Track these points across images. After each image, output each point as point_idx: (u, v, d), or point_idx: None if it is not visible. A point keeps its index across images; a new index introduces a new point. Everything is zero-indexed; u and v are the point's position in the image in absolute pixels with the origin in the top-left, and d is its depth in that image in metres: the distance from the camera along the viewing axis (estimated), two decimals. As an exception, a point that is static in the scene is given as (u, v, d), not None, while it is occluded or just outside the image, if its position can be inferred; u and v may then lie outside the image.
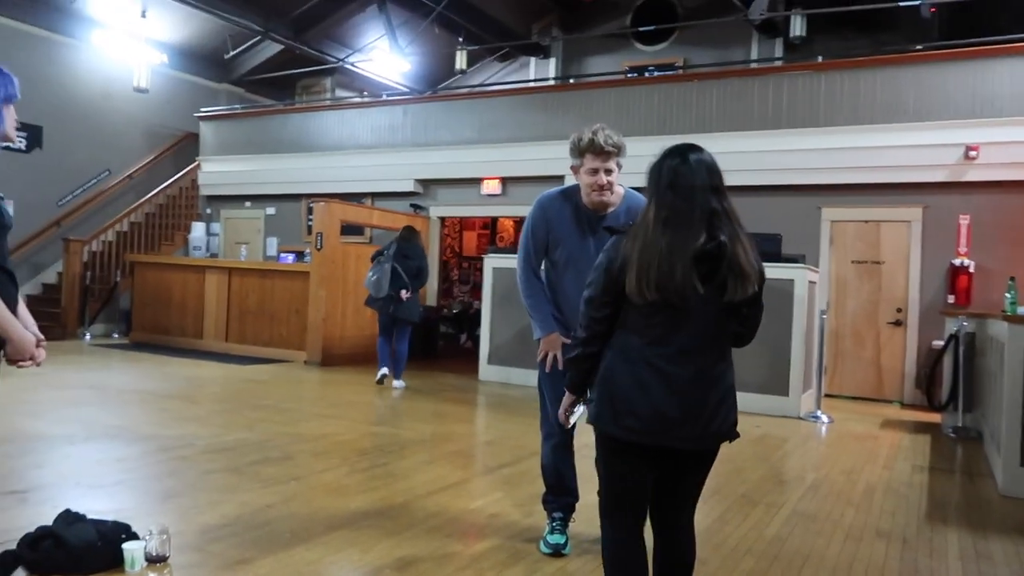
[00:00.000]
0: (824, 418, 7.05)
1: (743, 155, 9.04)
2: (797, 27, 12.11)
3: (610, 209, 3.15)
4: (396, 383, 7.93)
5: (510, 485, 4.35)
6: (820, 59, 9.45)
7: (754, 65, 11.72)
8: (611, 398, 2.09)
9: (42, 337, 2.30)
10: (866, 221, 8.73)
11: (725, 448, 5.60)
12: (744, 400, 7.13)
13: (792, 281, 7.26)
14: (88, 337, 11.26)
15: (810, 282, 7.45)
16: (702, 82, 9.59)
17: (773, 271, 7.23)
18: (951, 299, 8.21)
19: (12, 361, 2.22)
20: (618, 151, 3.07)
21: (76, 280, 11.48)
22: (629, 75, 12.66)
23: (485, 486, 4.37)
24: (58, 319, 11.28)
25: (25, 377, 7.19)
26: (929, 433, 6.67)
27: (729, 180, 8.02)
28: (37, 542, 2.87)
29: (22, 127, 11.49)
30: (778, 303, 7.27)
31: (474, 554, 3.23)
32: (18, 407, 5.92)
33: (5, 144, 2.26)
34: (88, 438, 4.98)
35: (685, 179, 2.05)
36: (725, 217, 2.04)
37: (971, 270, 8.15)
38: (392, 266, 7.73)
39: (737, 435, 2.16)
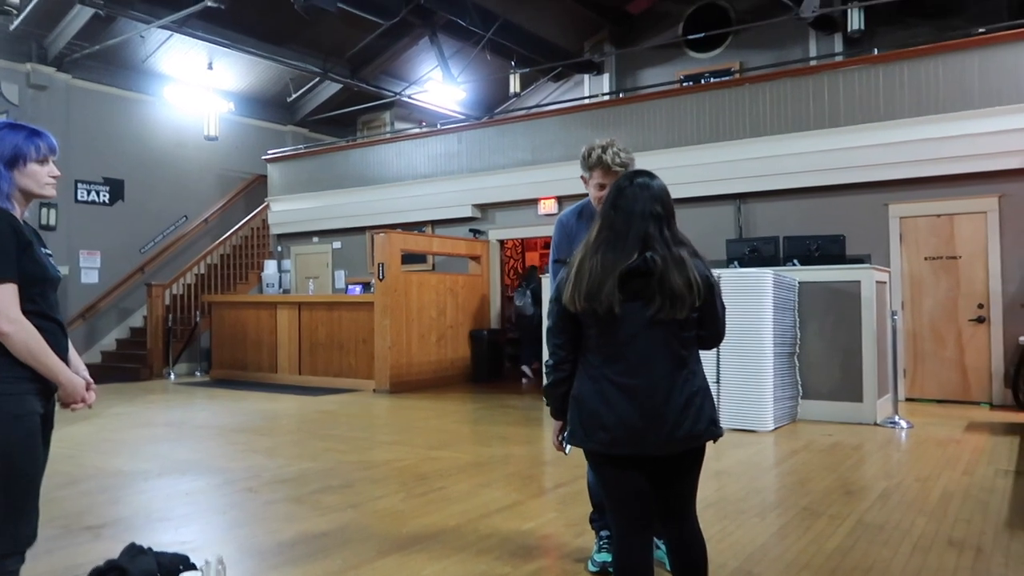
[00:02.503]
0: (903, 423, 6.74)
1: (801, 156, 8.84)
2: (855, 21, 11.75)
3: None
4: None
5: (564, 505, 4.32)
6: (876, 51, 9.12)
7: (812, 63, 11.43)
8: (580, 416, 2.23)
9: (91, 380, 2.42)
10: (938, 215, 8.35)
11: (789, 459, 5.41)
12: (815, 408, 7.02)
13: (858, 283, 7.00)
14: (172, 376, 11.79)
15: (878, 282, 7.16)
16: (754, 85, 9.40)
17: (837, 274, 7.08)
18: (1037, 291, 7.75)
19: (65, 404, 2.35)
20: (625, 168, 3.05)
21: (159, 323, 12.07)
22: (684, 84, 12.52)
23: (539, 507, 4.35)
24: (144, 361, 11.87)
25: (112, 418, 7.61)
26: (1019, 435, 6.28)
27: (786, 183, 7.93)
28: (103, 575, 3.02)
29: (105, 182, 12.27)
30: (844, 306, 7.03)
31: (522, 574, 3.22)
32: (102, 446, 6.25)
33: (42, 199, 2.41)
34: (161, 473, 5.21)
35: (625, 203, 2.21)
36: (662, 241, 2.16)
37: (1057, 259, 7.68)
38: (530, 290, 10.70)
39: (719, 433, 2.23)
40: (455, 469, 5.29)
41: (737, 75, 12.50)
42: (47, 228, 11.29)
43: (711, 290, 2.19)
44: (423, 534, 3.77)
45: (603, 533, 3.33)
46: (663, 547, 3.26)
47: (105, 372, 11.80)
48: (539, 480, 5.14)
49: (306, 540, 3.70)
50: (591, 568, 3.23)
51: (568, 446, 2.43)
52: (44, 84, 11.54)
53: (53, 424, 2.39)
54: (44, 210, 11.37)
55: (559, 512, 4.18)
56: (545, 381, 2.41)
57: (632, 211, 2.18)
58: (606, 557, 3.22)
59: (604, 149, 3.06)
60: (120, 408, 8.46)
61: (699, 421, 2.17)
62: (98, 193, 12.38)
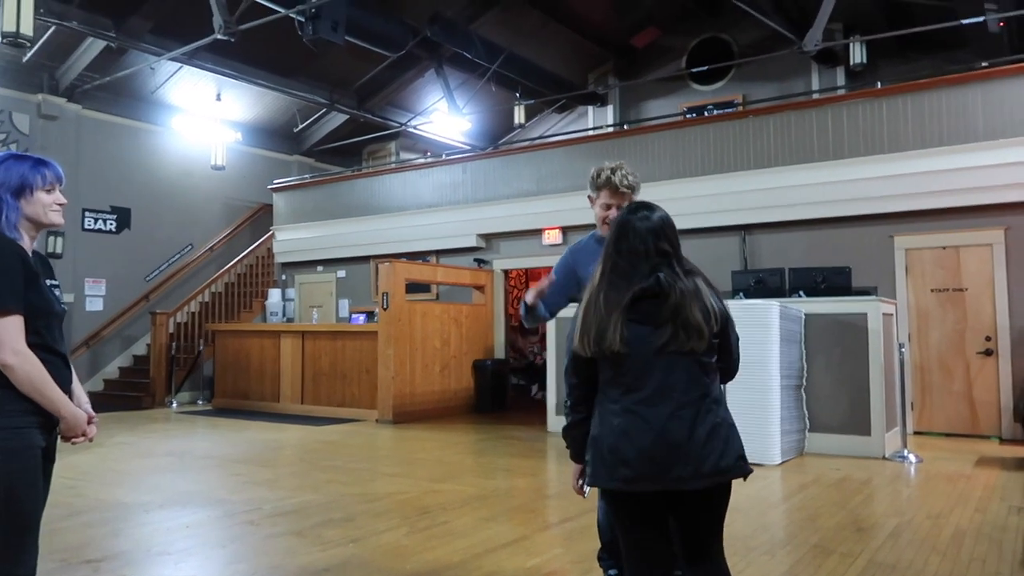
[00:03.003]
0: (912, 458, 6.66)
1: (805, 188, 8.85)
2: (857, 54, 11.86)
3: None
4: None
5: (571, 541, 4.26)
6: (879, 84, 9.18)
7: (815, 95, 11.52)
8: (600, 454, 2.12)
9: (94, 414, 2.40)
10: (944, 247, 8.33)
11: (798, 495, 5.34)
12: (822, 441, 6.96)
13: (865, 315, 6.97)
14: (175, 405, 11.74)
15: (885, 315, 7.13)
16: (758, 117, 9.45)
17: (843, 306, 7.05)
18: (1045, 324, 7.70)
19: (66, 438, 2.33)
20: (632, 191, 3.12)
21: (163, 351, 12.05)
22: (688, 116, 12.62)
23: (545, 542, 4.28)
24: (147, 389, 11.84)
25: (115, 447, 7.56)
26: (1030, 470, 6.20)
27: (791, 214, 7.94)
28: (101, 611, 2.97)
29: (112, 210, 12.34)
30: (851, 338, 6.99)
31: (527, 615, 3.16)
32: (104, 476, 6.20)
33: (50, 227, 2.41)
34: (163, 505, 5.15)
35: (628, 245, 2.17)
36: (671, 273, 2.12)
37: (1064, 292, 7.65)
38: None
39: (749, 470, 2.14)
40: (459, 502, 5.22)
41: (740, 107, 12.59)
42: (54, 256, 11.32)
43: (727, 320, 2.16)
44: (426, 570, 3.71)
45: (611, 572, 3.27)
46: None
47: (108, 400, 11.76)
48: (544, 514, 5.07)
49: (307, 575, 3.64)
50: (598, 607, 3.17)
51: (587, 488, 2.34)
52: (55, 114, 11.66)
53: (54, 458, 2.37)
54: (51, 238, 11.41)
55: (565, 548, 4.12)
56: (567, 423, 2.32)
57: (636, 252, 2.15)
58: (614, 596, 3.16)
59: (613, 171, 3.12)
60: (122, 437, 8.40)
61: (726, 455, 2.07)
62: (105, 221, 12.45)
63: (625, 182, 3.11)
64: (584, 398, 2.22)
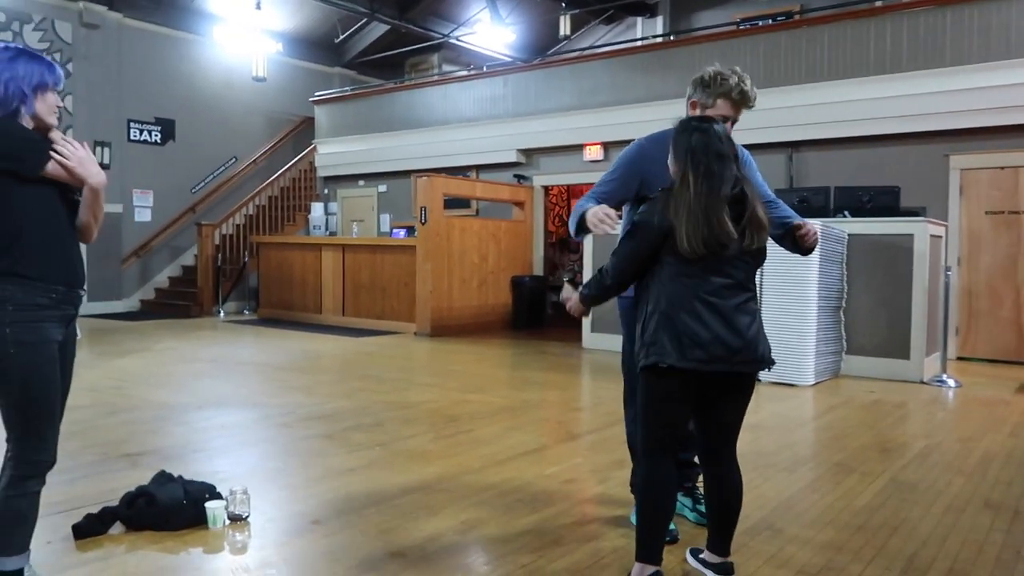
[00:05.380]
0: (950, 382, 6.53)
1: (857, 103, 8.44)
2: (927, -41, 11.08)
3: None
4: None
5: (591, 451, 4.31)
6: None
7: (878, 3, 10.84)
8: (677, 336, 2.33)
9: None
10: (1002, 167, 7.92)
11: (826, 415, 5.33)
12: (859, 364, 6.87)
13: (911, 236, 6.72)
14: (222, 314, 12.10)
15: (933, 236, 6.87)
16: (812, 28, 8.96)
17: (889, 226, 6.80)
18: (1105, 249, 7.35)
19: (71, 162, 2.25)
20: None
21: (209, 262, 12.34)
22: (739, 26, 12.02)
23: (565, 452, 4.35)
24: (195, 298, 12.20)
25: (161, 353, 7.84)
26: (1073, 398, 6.03)
27: (842, 131, 7.63)
28: (133, 500, 3.12)
29: (156, 121, 12.45)
30: (895, 260, 6.77)
31: (539, 518, 3.23)
32: (148, 379, 6.46)
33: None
34: (201, 407, 5.36)
35: (712, 147, 2.37)
36: (743, 178, 2.40)
37: None
38: None
39: (773, 362, 2.46)
40: (487, 412, 5.32)
41: (798, 16, 11.94)
42: (103, 167, 11.53)
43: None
44: (447, 474, 3.81)
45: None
46: (686, 501, 3.23)
47: (158, 308, 12.23)
48: (569, 426, 5.14)
49: (333, 475, 3.77)
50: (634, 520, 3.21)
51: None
52: (96, 23, 11.67)
53: (74, 352, 2.45)
54: (98, 149, 11.61)
55: (585, 458, 4.17)
56: (591, 290, 2.55)
57: (720, 153, 2.36)
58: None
59: (743, 80, 2.81)
60: (169, 343, 8.72)
61: (767, 346, 2.43)
62: (150, 133, 12.59)
63: (754, 95, 2.85)
64: (628, 284, 2.52)
